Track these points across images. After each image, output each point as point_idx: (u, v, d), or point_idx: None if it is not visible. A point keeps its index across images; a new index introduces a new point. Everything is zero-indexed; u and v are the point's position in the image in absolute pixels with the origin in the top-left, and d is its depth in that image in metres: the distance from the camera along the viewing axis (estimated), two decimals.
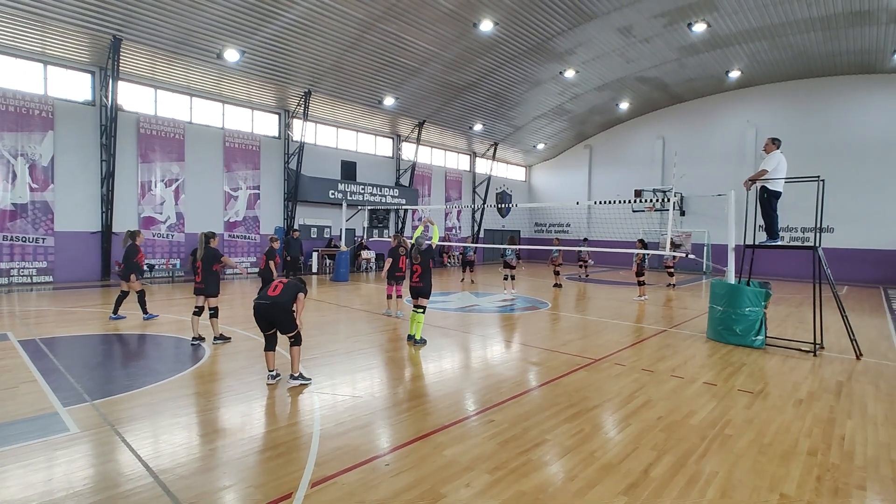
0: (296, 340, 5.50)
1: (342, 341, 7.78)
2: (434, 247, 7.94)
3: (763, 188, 7.75)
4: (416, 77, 18.38)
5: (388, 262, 10.09)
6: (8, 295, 11.67)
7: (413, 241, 7.87)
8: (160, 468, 3.48)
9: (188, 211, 16.24)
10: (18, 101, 13.03)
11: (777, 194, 7.73)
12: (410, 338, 7.72)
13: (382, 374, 6.16)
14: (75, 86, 14.18)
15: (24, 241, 13.33)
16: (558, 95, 22.46)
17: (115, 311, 9.05)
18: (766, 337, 7.93)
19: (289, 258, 16.12)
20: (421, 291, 7.60)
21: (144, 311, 9.16)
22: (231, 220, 17.49)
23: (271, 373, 5.54)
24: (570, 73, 19.94)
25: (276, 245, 11.08)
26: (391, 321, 9.51)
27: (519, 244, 14.28)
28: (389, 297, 10.25)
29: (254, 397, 5.07)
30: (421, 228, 8.01)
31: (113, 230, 14.47)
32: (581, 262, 19.71)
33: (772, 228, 7.92)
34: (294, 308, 5.49)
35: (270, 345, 5.56)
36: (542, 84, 20.94)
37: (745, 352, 7.55)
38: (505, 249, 14.33)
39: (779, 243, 8.07)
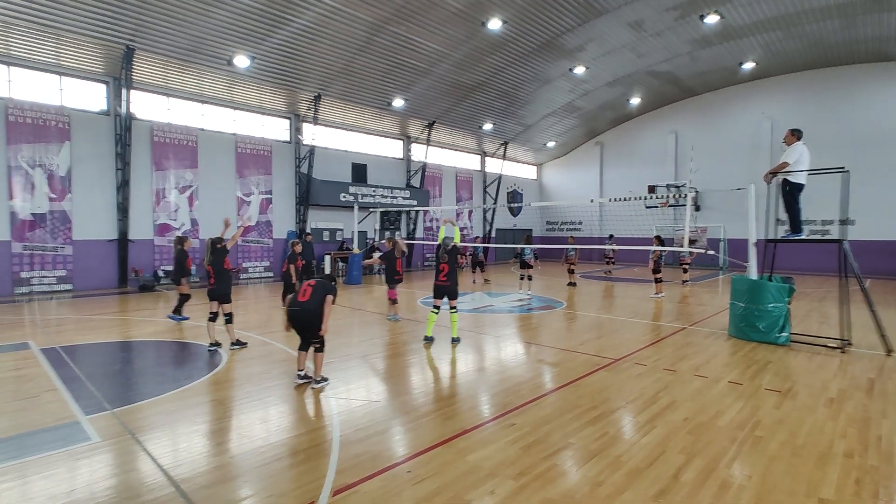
0: (320, 346, 5.55)
1: (357, 345, 7.74)
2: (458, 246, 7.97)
3: (785, 181, 7.54)
4: (425, 78, 18.34)
5: (382, 264, 9.96)
6: (29, 304, 11.86)
7: (439, 242, 7.87)
8: (181, 477, 3.45)
9: (202, 217, 16.37)
10: (35, 112, 13.25)
11: (800, 187, 7.51)
12: (427, 339, 7.71)
13: (399, 377, 6.10)
14: (90, 96, 14.39)
15: (44, 251, 13.55)
16: (568, 92, 22.26)
17: (177, 312, 9.52)
18: (791, 333, 7.71)
19: (302, 262, 16.17)
20: (448, 290, 7.65)
21: (178, 312, 9.55)
22: (245, 226, 17.57)
23: (300, 372, 5.61)
24: (580, 70, 19.75)
25: (298, 249, 11.23)
26: (403, 323, 9.45)
27: (532, 243, 14.15)
28: (395, 301, 9.99)
29: (272, 403, 5.04)
30: (444, 229, 8.00)
31: (129, 237, 14.64)
32: (608, 259, 20.13)
33: (795, 222, 7.70)
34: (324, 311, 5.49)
35: (304, 345, 5.61)
36: (552, 81, 20.77)
37: (769, 349, 7.36)
38: (523, 249, 14.20)
39: (803, 237, 7.85)
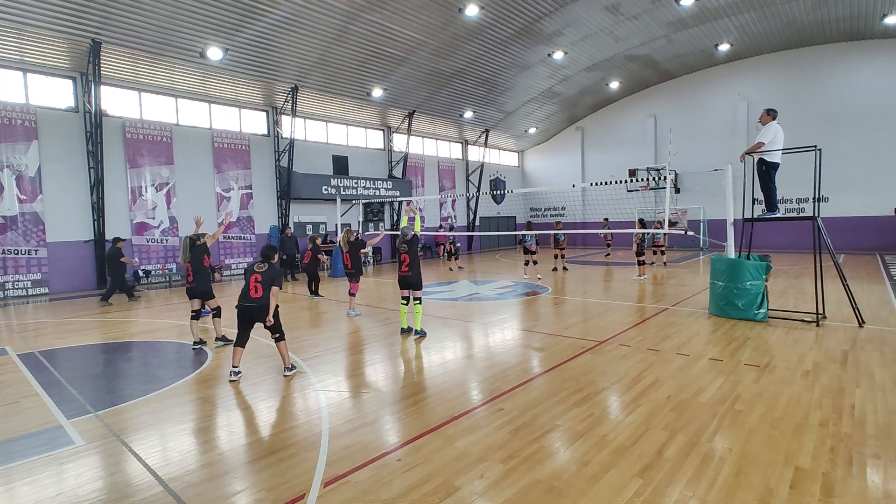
0: (281, 336, 5.70)
1: (344, 337, 7.73)
2: (419, 236, 7.75)
3: (761, 160, 7.69)
4: (403, 66, 18.14)
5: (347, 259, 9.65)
6: (4, 309, 11.55)
7: (399, 232, 7.66)
8: (170, 476, 3.43)
9: (181, 214, 16.06)
10: (0, 111, 12.77)
11: (775, 166, 7.67)
12: (404, 331, 7.65)
13: (387, 367, 6.12)
14: (57, 93, 13.92)
15: (17, 254, 13.17)
16: (548, 78, 22.25)
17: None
18: (768, 310, 7.92)
19: (284, 257, 16.05)
20: (411, 281, 7.38)
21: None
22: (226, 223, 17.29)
23: (235, 369, 5.59)
24: (558, 55, 19.74)
25: (319, 241, 11.42)
26: (389, 315, 9.45)
27: (533, 229, 14.50)
28: (354, 294, 9.74)
29: (259, 399, 5.02)
30: (405, 219, 7.86)
31: (106, 238, 14.30)
32: (607, 243, 20.89)
33: (771, 201, 7.88)
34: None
35: (242, 341, 5.63)
36: (531, 67, 20.73)
37: (748, 326, 7.56)
38: (524, 235, 14.38)
39: (778, 215, 8.03)
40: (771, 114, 7.64)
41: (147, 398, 5.10)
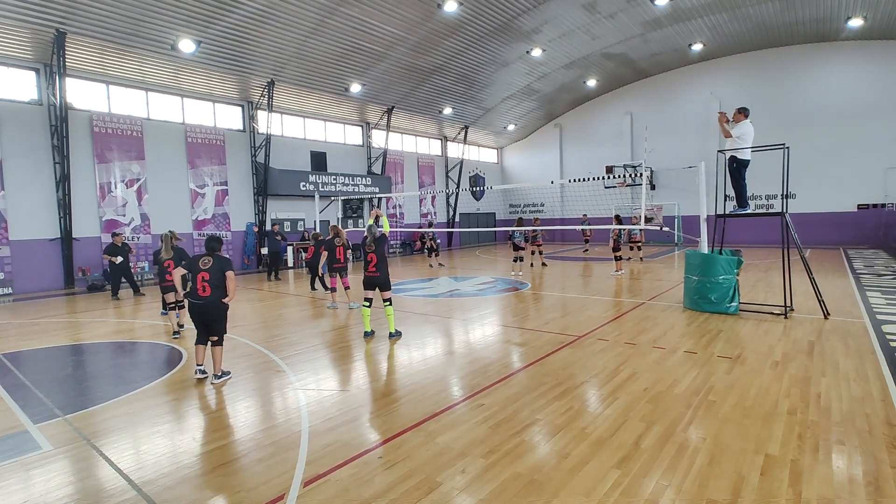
0: (219, 340, 5.48)
1: (323, 335, 7.65)
2: (387, 236, 7.45)
3: (732, 158, 7.90)
4: (382, 62, 17.99)
5: (324, 255, 9.91)
6: None
7: (365, 231, 7.33)
8: (143, 480, 3.34)
9: (153, 211, 15.62)
10: None
11: (746, 163, 7.89)
12: (368, 335, 7.28)
13: (367, 365, 6.08)
14: (19, 85, 13.34)
15: None
16: (526, 75, 22.38)
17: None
18: (740, 303, 8.16)
19: (266, 254, 15.73)
20: (378, 281, 7.10)
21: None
22: (200, 219, 16.93)
23: (200, 367, 5.50)
24: (536, 52, 19.86)
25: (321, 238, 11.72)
26: (372, 311, 9.37)
27: (524, 226, 14.58)
28: (333, 289, 10.26)
29: (237, 398, 4.93)
30: (371, 219, 7.50)
31: (73, 235, 13.81)
32: (586, 238, 21.17)
33: (742, 197, 8.10)
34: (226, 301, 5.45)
35: (203, 338, 5.50)
36: (510, 64, 20.81)
37: (720, 319, 7.77)
38: (513, 231, 14.42)
39: (749, 211, 8.27)
40: (743, 112, 7.85)
41: (118, 400, 4.95)
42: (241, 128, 18.28)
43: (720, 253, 8.28)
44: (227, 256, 5.54)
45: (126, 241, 12.60)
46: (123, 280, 12.09)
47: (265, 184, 18.16)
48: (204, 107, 17.28)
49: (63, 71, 12.98)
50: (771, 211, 20.28)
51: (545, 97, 25.62)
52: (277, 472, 3.40)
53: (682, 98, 24.31)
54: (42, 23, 12.04)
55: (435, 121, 24.96)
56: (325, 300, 10.73)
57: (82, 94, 14.40)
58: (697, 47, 21.47)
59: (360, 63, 17.69)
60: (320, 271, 11.60)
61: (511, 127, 28.52)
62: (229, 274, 5.40)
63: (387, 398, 4.84)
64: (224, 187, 17.53)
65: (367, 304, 7.30)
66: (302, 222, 20.22)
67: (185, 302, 6.94)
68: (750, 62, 22.37)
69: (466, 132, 26.91)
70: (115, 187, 14.89)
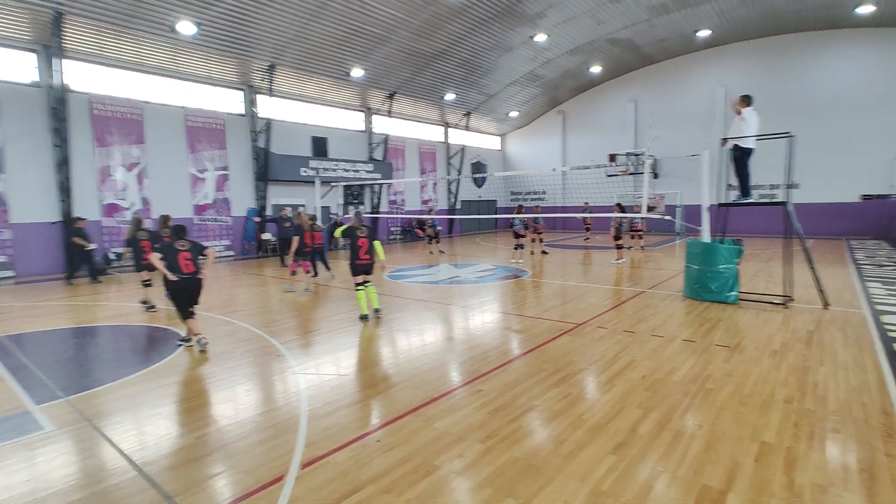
0: (193, 313, 6.15)
1: (323, 320, 7.68)
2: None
3: (736, 146, 7.82)
4: (383, 46, 17.77)
5: (295, 241, 10.37)
6: None
7: (353, 225, 7.41)
8: (144, 461, 3.38)
9: (154, 196, 15.59)
10: None
11: (749, 152, 7.82)
12: (365, 318, 7.42)
13: (367, 350, 6.12)
14: (18, 66, 13.21)
15: None
16: (530, 61, 22.11)
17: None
18: (740, 292, 8.16)
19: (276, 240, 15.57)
20: (368, 268, 7.46)
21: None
22: (200, 203, 16.90)
23: (199, 336, 6.03)
24: (541, 37, 19.59)
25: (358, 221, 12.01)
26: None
27: (524, 213, 14.58)
28: (294, 273, 10.74)
29: (237, 382, 4.96)
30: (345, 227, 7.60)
31: (74, 216, 13.78)
32: (587, 226, 21.28)
33: (744, 186, 8.04)
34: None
35: (187, 313, 6.08)
36: (514, 49, 20.55)
37: (720, 308, 7.77)
38: (513, 219, 14.40)
39: (751, 201, 8.22)
40: (747, 100, 7.75)
41: (119, 383, 4.99)
42: (242, 112, 18.13)
43: (721, 242, 8.26)
44: (198, 241, 6.44)
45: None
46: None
47: (266, 169, 18.08)
48: (204, 91, 17.12)
49: (62, 52, 12.85)
50: (773, 200, 20.19)
51: (549, 83, 25.35)
52: (277, 454, 3.43)
53: (687, 85, 24.03)
54: (40, 3, 11.88)
55: (437, 107, 24.74)
56: (323, 284, 10.75)
57: (81, 77, 14.26)
58: (704, 33, 21.15)
59: (361, 47, 17.47)
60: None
61: (514, 114, 28.27)
62: (209, 251, 6.28)
63: (386, 383, 4.87)
64: (225, 172, 17.46)
65: (361, 288, 7.51)
66: (302, 208, 20.15)
67: (152, 281, 7.85)
68: (757, 49, 22.05)
69: (469, 118, 26.70)
70: (116, 171, 14.84)
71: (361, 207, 7.45)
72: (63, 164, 13.49)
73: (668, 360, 5.29)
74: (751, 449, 3.37)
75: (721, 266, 8.04)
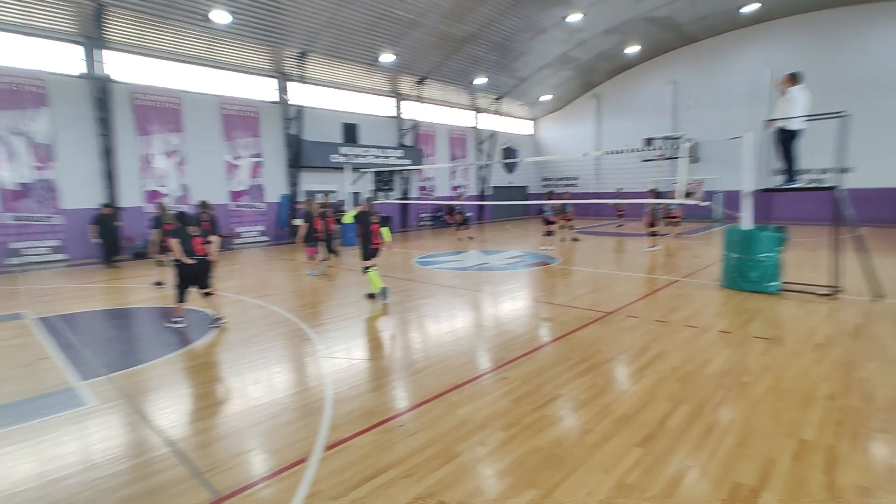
0: (211, 290, 6.64)
1: (351, 305, 7.78)
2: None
3: (781, 128, 7.37)
4: (414, 30, 17.60)
5: (304, 227, 10.56)
6: (23, 274, 11.82)
7: (360, 211, 7.80)
8: (176, 438, 3.52)
9: (192, 182, 16.11)
10: (8, 77, 12.73)
11: (797, 133, 7.35)
12: (372, 296, 7.91)
13: (394, 335, 6.16)
14: (65, 58, 13.78)
15: (33, 221, 13.38)
16: (563, 42, 21.46)
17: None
18: (782, 282, 7.76)
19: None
20: (378, 253, 7.90)
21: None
22: (236, 190, 17.36)
23: (215, 314, 6.54)
24: (575, 18, 18.95)
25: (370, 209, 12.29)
26: (401, 283, 9.48)
27: (554, 199, 14.36)
28: (312, 258, 10.81)
29: (266, 364, 5.10)
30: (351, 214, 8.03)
31: (118, 205, 14.42)
32: (619, 213, 21.03)
33: (791, 170, 7.59)
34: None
35: (194, 292, 6.53)
36: (546, 31, 19.98)
37: (760, 298, 7.43)
38: (543, 205, 14.20)
39: (798, 185, 7.76)
40: (795, 77, 7.27)
41: (156, 362, 5.21)
42: (275, 100, 18.41)
43: (763, 230, 7.85)
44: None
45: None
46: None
47: (298, 156, 18.36)
48: (239, 79, 17.44)
49: (104, 44, 13.31)
50: (825, 186, 19.06)
51: (583, 66, 24.58)
52: (302, 435, 3.51)
53: (730, 65, 22.82)
54: None
55: (467, 91, 24.43)
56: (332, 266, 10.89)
57: (123, 67, 14.76)
58: (750, 9, 19.96)
59: (391, 32, 17.37)
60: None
61: (546, 97, 27.62)
62: (214, 237, 6.76)
63: (411, 368, 4.90)
64: (258, 159, 17.84)
65: (375, 268, 7.88)
66: (334, 194, 20.42)
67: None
68: (807, 24, 20.66)
69: (500, 103, 26.25)
70: (156, 159, 15.38)
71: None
72: (108, 153, 14.08)
73: (702, 352, 5.10)
74: (788, 446, 3.21)
75: (762, 254, 7.66)
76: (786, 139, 7.41)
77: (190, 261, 6.29)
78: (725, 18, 21.18)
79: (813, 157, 18.49)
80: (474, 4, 16.80)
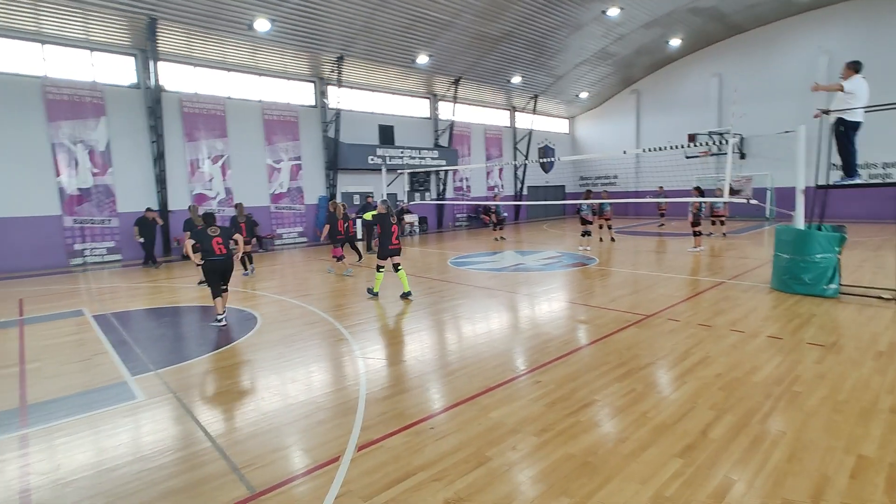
0: (227, 287, 6.97)
1: (389, 306, 7.86)
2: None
3: (839, 120, 6.91)
4: (448, 31, 17.64)
5: (326, 228, 10.81)
6: (83, 274, 12.61)
7: (384, 212, 7.99)
8: (217, 433, 3.64)
9: (236, 185, 16.74)
10: (71, 89, 13.62)
11: (856, 126, 6.88)
12: (406, 295, 8.08)
13: (427, 336, 6.17)
14: (120, 70, 14.63)
15: (93, 223, 14.26)
16: (601, 38, 20.96)
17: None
18: (840, 285, 7.27)
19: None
20: (399, 252, 8.17)
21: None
22: (276, 192, 17.92)
23: (222, 314, 6.78)
24: (613, 12, 18.46)
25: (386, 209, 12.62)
26: (432, 284, 9.50)
27: (591, 198, 13.98)
28: (339, 258, 10.95)
29: (303, 363, 5.21)
30: (380, 201, 8.30)
31: (168, 208, 15.17)
32: (661, 212, 20.69)
33: (849, 165, 7.11)
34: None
35: (219, 291, 6.79)
36: (584, 27, 19.57)
37: (814, 302, 6.99)
38: (581, 205, 13.94)
39: (857, 181, 7.25)
40: (853, 67, 6.80)
41: (201, 359, 5.43)
42: (313, 104, 18.88)
43: (819, 228, 7.39)
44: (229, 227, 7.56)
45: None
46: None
47: (335, 158, 18.75)
48: (279, 84, 18.00)
49: (156, 55, 14.04)
50: (889, 181, 17.76)
51: (621, 61, 23.93)
52: (335, 434, 3.56)
53: (782, 55, 21.63)
54: (136, 10, 13.02)
55: (503, 91, 24.26)
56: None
57: (173, 77, 15.52)
58: None
59: (426, 33, 17.47)
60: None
61: (584, 95, 27.06)
62: (238, 237, 7.17)
63: (443, 370, 4.89)
64: (298, 162, 18.34)
65: (400, 268, 8.11)
66: (371, 195, 20.73)
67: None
68: (866, 9, 19.30)
69: (536, 101, 25.93)
70: (203, 163, 16.08)
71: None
72: (159, 159, 14.84)
73: (749, 358, 4.84)
74: (845, 462, 2.99)
75: (817, 255, 7.20)
76: (844, 132, 6.94)
77: (199, 262, 6.65)
78: (776, 6, 20.11)
79: (873, 151, 17.29)
80: (508, 3, 16.66)
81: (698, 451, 3.16)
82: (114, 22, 13.31)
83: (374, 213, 8.23)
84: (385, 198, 8.59)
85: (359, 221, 15.98)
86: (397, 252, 8.13)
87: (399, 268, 8.15)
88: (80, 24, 13.09)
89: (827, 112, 6.94)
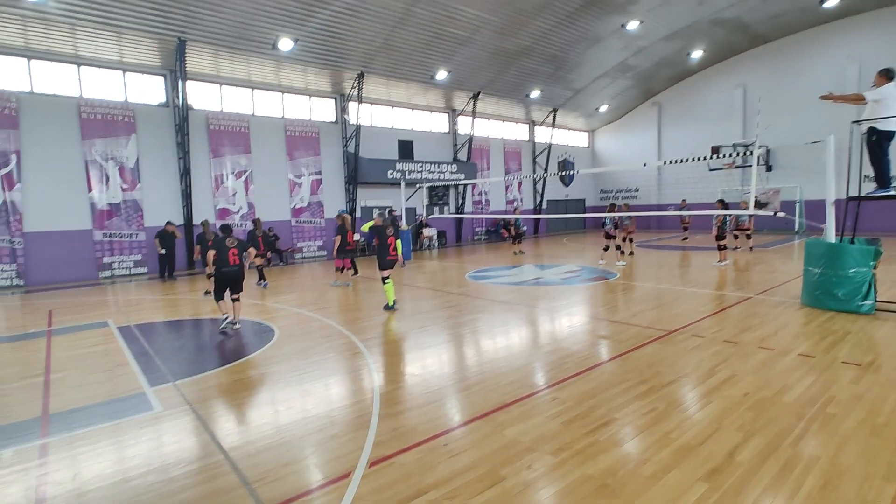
0: (238, 297, 7.44)
1: (405, 319, 7.82)
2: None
3: (871, 129, 6.67)
4: (467, 47, 17.82)
5: (338, 240, 10.98)
6: (112, 286, 12.96)
7: (380, 225, 8.35)
8: (230, 446, 3.63)
9: (258, 200, 17.07)
10: (105, 109, 14.18)
11: (890, 135, 6.62)
12: (392, 307, 8.30)
13: (444, 351, 6.10)
14: (150, 89, 15.19)
15: (121, 237, 14.70)
16: (621, 51, 20.89)
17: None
18: (877, 301, 6.94)
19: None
20: (394, 264, 8.40)
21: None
22: (297, 207, 18.20)
23: (229, 316, 7.26)
24: (633, 25, 18.41)
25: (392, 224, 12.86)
26: (449, 298, 9.44)
27: (617, 212, 13.62)
28: (340, 269, 11.43)
29: (317, 377, 5.19)
30: (369, 224, 8.65)
31: (193, 223, 15.53)
32: (684, 226, 20.43)
33: (883, 176, 6.83)
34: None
35: (225, 296, 7.30)
36: (603, 40, 19.54)
37: (848, 319, 6.67)
38: (605, 218, 13.73)
39: (891, 193, 6.96)
40: (886, 74, 6.58)
41: (218, 371, 5.46)
42: (334, 119, 19.23)
43: (852, 242, 7.09)
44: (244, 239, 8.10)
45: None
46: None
47: (355, 172, 18.99)
48: (301, 101, 18.42)
49: (184, 75, 14.54)
50: None
51: (642, 74, 23.77)
52: (347, 449, 3.51)
53: (808, 64, 21.17)
54: (167, 33, 13.55)
55: (522, 105, 24.31)
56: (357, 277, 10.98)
57: (200, 95, 16.04)
58: (832, 3, 18.46)
59: (445, 49, 17.68)
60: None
61: (603, 108, 26.93)
62: (251, 250, 7.72)
63: (458, 385, 4.80)
64: (318, 177, 18.63)
65: (390, 280, 8.32)
66: (389, 209, 20.89)
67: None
68: None
69: (555, 115, 25.90)
70: (227, 179, 16.48)
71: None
72: (185, 174, 15.26)
73: (779, 377, 4.62)
74: (885, 490, 2.79)
75: (851, 270, 6.90)
76: (877, 141, 6.69)
77: (210, 271, 7.20)
78: (802, 15, 19.76)
79: None
80: (527, 18, 16.77)
81: (724, 476, 3.00)
82: (146, 44, 13.86)
83: (371, 224, 8.50)
84: (381, 211, 8.85)
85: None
86: (392, 264, 8.35)
87: (387, 280, 8.30)
88: (114, 46, 13.67)
89: (858, 122, 6.71)
